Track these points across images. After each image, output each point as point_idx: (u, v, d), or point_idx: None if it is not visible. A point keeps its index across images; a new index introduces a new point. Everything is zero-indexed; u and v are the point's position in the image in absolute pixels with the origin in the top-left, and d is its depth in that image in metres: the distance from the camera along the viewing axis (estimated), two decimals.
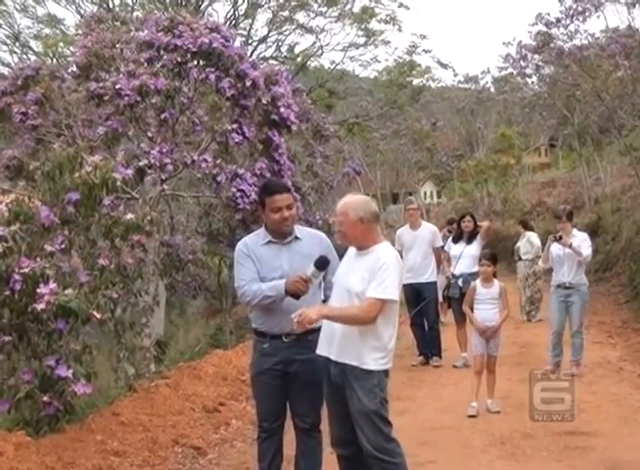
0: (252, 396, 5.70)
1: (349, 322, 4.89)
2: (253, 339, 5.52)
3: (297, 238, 5.36)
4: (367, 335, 4.87)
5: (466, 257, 11.02)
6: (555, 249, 9.92)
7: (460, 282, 10.84)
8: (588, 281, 9.90)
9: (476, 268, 10.55)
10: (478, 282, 8.58)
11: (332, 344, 4.95)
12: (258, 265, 5.26)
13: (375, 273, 4.84)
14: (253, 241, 5.38)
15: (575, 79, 22.78)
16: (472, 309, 8.51)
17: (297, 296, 5.06)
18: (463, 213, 12.46)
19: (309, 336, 5.15)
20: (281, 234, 5.30)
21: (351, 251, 5.16)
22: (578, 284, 9.81)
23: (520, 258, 15.45)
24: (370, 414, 4.86)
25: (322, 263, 5.09)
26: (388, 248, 5.09)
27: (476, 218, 11.92)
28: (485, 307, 8.36)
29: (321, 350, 5.06)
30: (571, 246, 9.62)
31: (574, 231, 10.05)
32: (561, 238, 9.72)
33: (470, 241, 11.21)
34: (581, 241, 9.82)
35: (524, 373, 9.70)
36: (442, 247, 11.56)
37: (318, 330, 5.12)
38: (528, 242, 15.14)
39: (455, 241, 11.50)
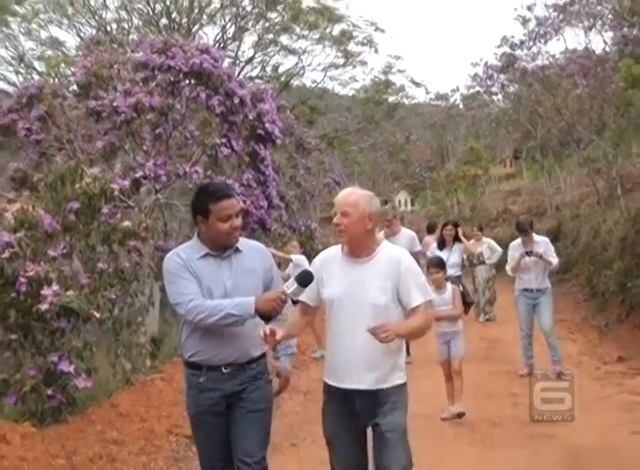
0: (194, 439, 4.42)
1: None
2: (186, 372, 4.28)
3: (237, 250, 4.19)
4: (397, 348, 4.07)
5: (452, 264, 10.73)
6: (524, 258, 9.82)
7: None
8: (551, 282, 9.86)
9: (459, 272, 10.85)
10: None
11: (359, 373, 4.00)
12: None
13: (403, 277, 3.97)
14: (187, 254, 4.13)
15: (538, 97, 22.91)
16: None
17: (268, 318, 3.99)
18: (446, 222, 12.36)
19: (252, 365, 4.18)
20: (223, 246, 4.14)
21: (335, 257, 4.15)
22: (545, 288, 9.76)
23: (479, 263, 14.80)
24: (406, 431, 4.08)
25: (306, 279, 3.98)
26: (394, 246, 4.22)
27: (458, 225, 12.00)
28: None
29: (347, 382, 4.03)
30: (542, 257, 9.53)
31: (535, 237, 9.79)
32: (532, 253, 9.62)
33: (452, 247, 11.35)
34: (545, 247, 9.65)
35: (492, 367, 9.84)
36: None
37: (260, 357, 4.24)
38: (489, 248, 14.85)
39: (440, 248, 11.50)
